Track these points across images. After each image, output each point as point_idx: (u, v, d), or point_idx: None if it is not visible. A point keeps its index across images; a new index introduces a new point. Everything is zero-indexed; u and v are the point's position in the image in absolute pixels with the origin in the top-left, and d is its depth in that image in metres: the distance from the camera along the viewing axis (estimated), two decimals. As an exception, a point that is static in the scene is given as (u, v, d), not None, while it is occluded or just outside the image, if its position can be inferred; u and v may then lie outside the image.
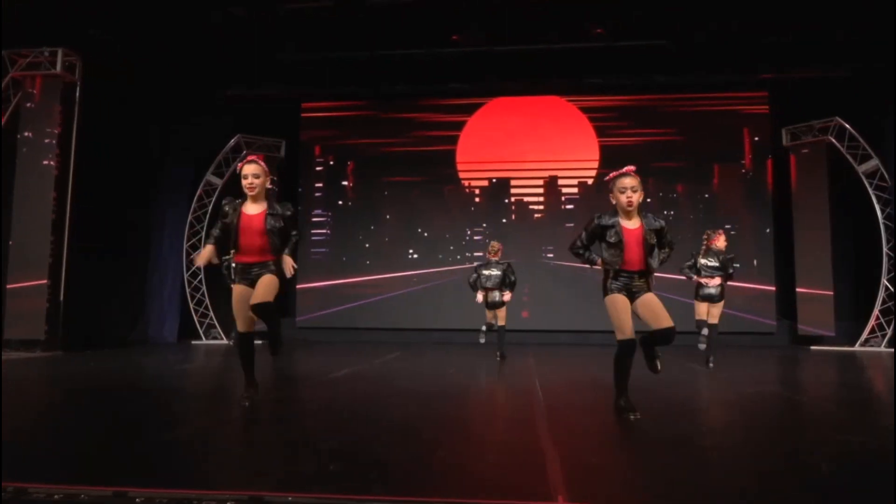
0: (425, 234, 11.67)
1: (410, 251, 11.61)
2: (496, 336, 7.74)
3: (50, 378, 5.91)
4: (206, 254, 4.15)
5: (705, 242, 6.97)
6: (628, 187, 3.74)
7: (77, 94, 8.72)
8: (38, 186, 8.43)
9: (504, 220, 11.60)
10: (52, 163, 8.47)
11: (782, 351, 9.63)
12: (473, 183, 11.74)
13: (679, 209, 11.23)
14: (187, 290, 10.61)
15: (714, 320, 6.86)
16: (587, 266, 4.02)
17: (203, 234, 10.70)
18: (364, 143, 11.87)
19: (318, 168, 11.98)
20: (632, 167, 3.82)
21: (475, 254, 11.27)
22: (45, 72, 8.58)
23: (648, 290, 3.82)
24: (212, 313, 10.69)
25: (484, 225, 11.61)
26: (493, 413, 4.31)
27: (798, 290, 10.32)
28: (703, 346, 6.79)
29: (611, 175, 3.85)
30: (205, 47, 9.89)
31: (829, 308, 9.96)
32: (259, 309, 3.92)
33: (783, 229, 10.76)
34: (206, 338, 10.62)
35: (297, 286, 11.27)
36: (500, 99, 11.75)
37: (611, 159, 11.10)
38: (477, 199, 11.74)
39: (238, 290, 4.07)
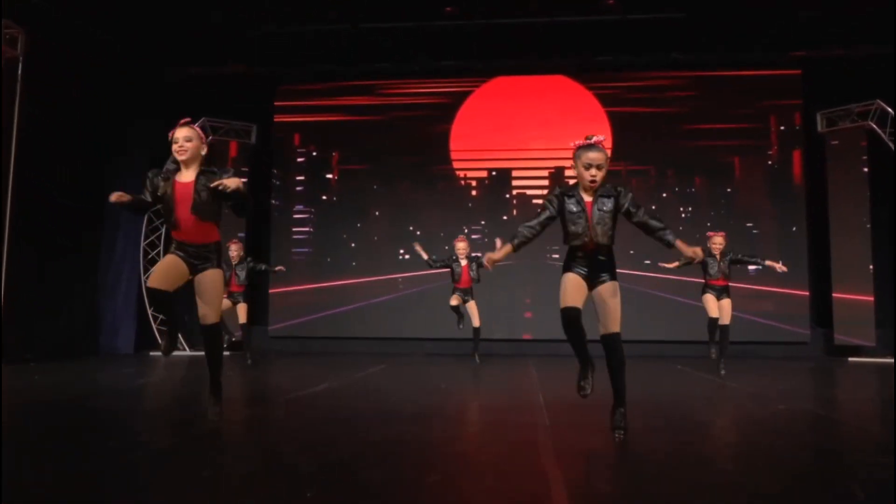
0: (418, 233, 11.64)
1: (401, 251, 11.57)
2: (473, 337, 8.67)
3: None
4: (120, 197, 3.93)
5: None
6: (594, 163, 3.69)
7: (19, 70, 8.65)
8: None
9: (505, 217, 11.58)
10: (-10, 149, 8.41)
11: (816, 363, 9.67)
12: (470, 174, 11.73)
13: (698, 204, 11.24)
14: (145, 295, 10.55)
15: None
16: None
17: (163, 231, 10.64)
18: (348, 130, 11.83)
19: (294, 156, 11.94)
20: (601, 137, 3.75)
21: (472, 254, 11.23)
22: (-17, 46, 8.53)
23: (611, 277, 3.73)
24: (173, 321, 10.61)
25: (483, 222, 11.59)
26: (490, 432, 4.32)
27: (834, 295, 10.35)
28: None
29: (576, 143, 3.76)
30: (166, 20, 9.85)
31: (869, 315, 10.01)
32: (208, 332, 3.99)
33: (817, 227, 10.80)
34: (167, 348, 10.54)
35: (271, 290, 11.25)
36: (499, 79, 11.75)
37: (623, 146, 11.12)
38: (474, 193, 11.74)
39: (172, 257, 4.01)
